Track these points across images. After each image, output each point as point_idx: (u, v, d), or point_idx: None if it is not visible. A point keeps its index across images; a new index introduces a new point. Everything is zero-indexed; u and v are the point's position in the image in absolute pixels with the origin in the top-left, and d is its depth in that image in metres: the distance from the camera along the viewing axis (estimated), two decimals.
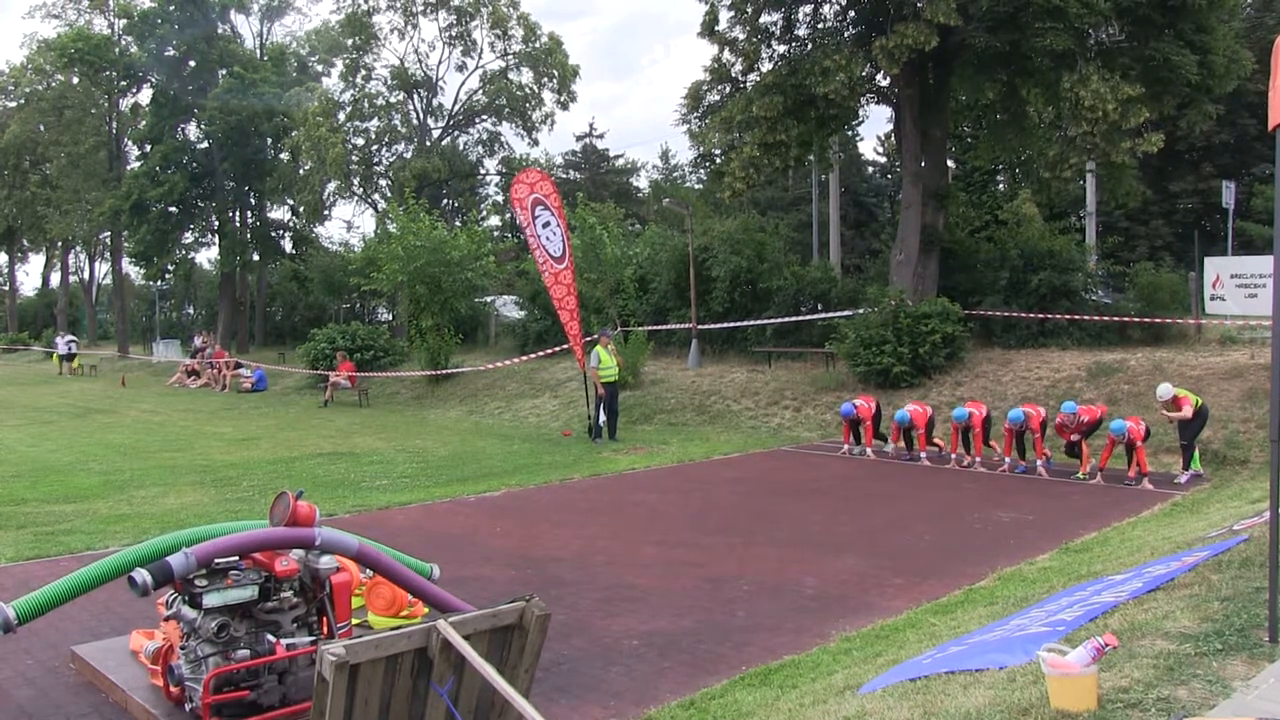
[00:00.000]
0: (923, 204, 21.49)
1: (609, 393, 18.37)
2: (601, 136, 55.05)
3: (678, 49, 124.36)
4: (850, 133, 39.42)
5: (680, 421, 20.48)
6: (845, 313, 21.77)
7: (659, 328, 25.49)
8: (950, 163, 27.75)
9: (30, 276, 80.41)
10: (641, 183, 57.45)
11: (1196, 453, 13.78)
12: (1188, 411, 13.41)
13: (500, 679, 4.69)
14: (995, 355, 20.10)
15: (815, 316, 23.59)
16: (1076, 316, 20.35)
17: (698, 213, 28.22)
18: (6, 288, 76.30)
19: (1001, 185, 36.65)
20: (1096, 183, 28.18)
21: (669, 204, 31.34)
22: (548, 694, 6.11)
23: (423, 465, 15.89)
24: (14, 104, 57.32)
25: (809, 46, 21.65)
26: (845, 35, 21.48)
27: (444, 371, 26.63)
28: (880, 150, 46.60)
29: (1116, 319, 20.28)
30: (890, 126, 24.69)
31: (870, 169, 47.06)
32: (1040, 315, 20.46)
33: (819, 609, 7.92)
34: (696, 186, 47.55)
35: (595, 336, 18.97)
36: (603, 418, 18.51)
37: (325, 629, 6.20)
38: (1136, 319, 20.06)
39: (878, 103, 24.14)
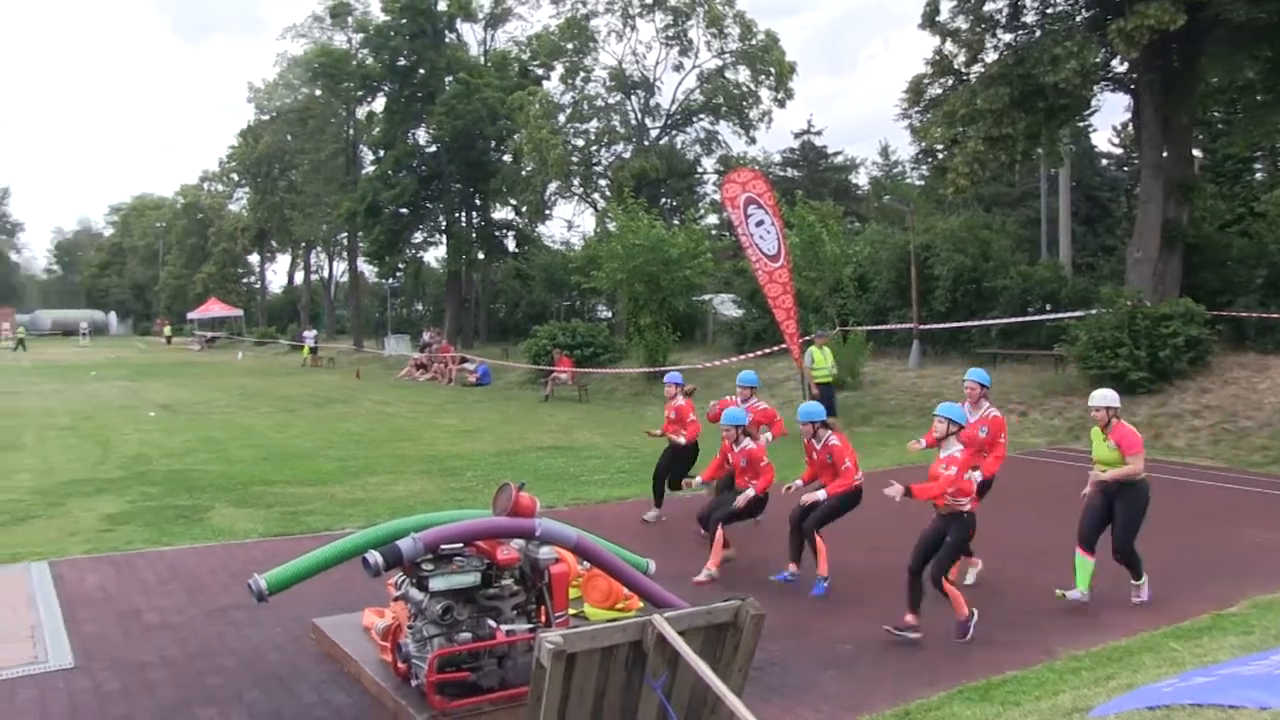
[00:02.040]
0: (1164, 197, 20.23)
1: (823, 394, 18.11)
2: (819, 133, 54.03)
3: (897, 42, 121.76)
4: (1082, 123, 37.52)
5: (900, 424, 19.97)
6: (1076, 313, 20.75)
7: (878, 328, 24.96)
8: (1197, 151, 26.00)
9: (277, 275, 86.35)
10: (861, 180, 56.42)
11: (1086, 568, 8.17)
12: (1134, 465, 7.94)
13: (714, 676, 4.65)
14: (1249, 360, 18.71)
15: (1044, 317, 22.60)
16: None
17: (919, 210, 27.54)
18: (258, 286, 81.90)
19: (1260, 174, 34.00)
20: None
21: (889, 201, 30.74)
22: (761, 694, 6.05)
23: (640, 461, 16.01)
24: (267, 117, 61.68)
25: (1037, 34, 20.75)
26: (1077, 20, 20.45)
27: (662, 369, 26.77)
28: (1116, 141, 44.17)
29: None
30: (1127, 115, 23.34)
31: (1104, 161, 44.62)
32: None
33: (1044, 623, 7.55)
34: (918, 183, 46.32)
35: (812, 337, 18.74)
36: None
37: (543, 617, 6.31)
38: None
39: (1113, 90, 22.93)
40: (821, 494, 8.55)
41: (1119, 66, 21.37)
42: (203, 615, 7.93)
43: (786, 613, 7.71)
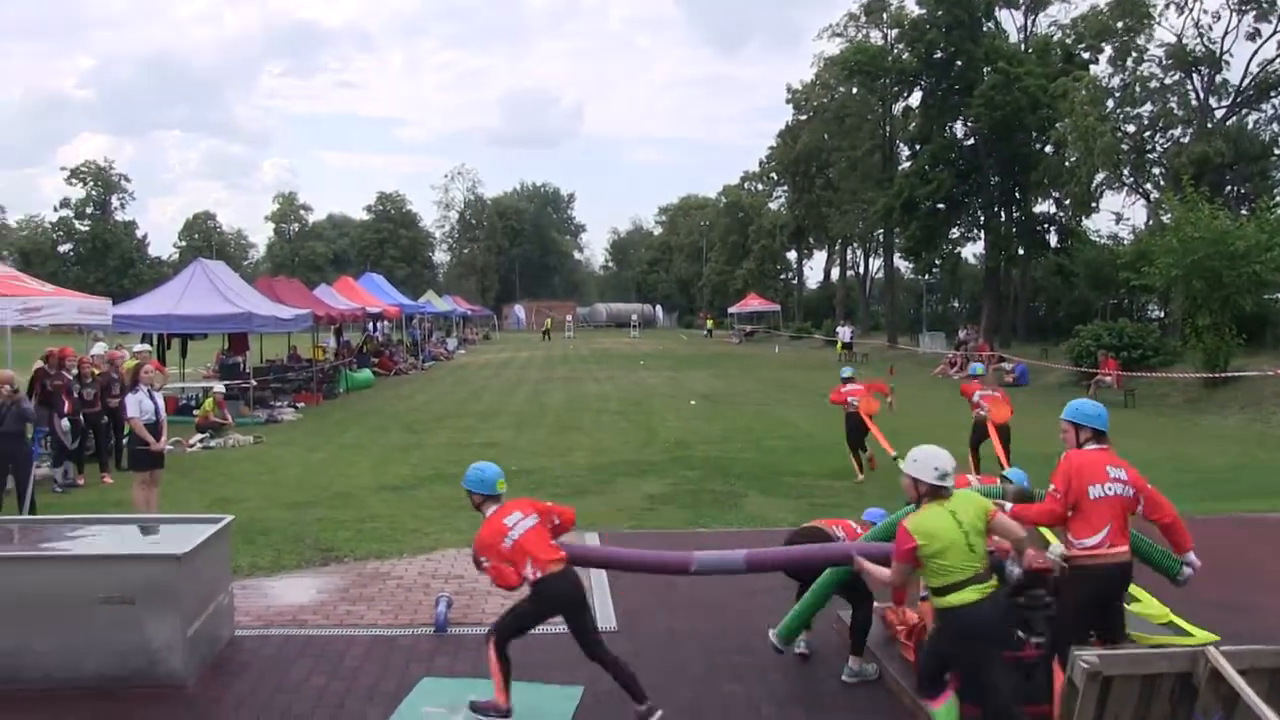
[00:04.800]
0: None
1: None
2: None
3: None
4: None
5: None
6: None
7: None
8: None
9: (814, 271, 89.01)
10: None
11: None
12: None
13: None
14: None
15: None
16: None
17: None
18: (795, 281, 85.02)
19: None
20: None
21: None
22: None
23: (1194, 475, 14.86)
24: (804, 117, 63.97)
25: None
26: None
27: (1222, 375, 24.52)
28: None
29: None
30: None
31: None
32: None
33: None
34: None
35: None
36: None
37: None
38: None
39: None
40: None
41: None
42: (734, 595, 8.47)
43: None
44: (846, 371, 15.87)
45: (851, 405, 14.66)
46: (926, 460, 5.47)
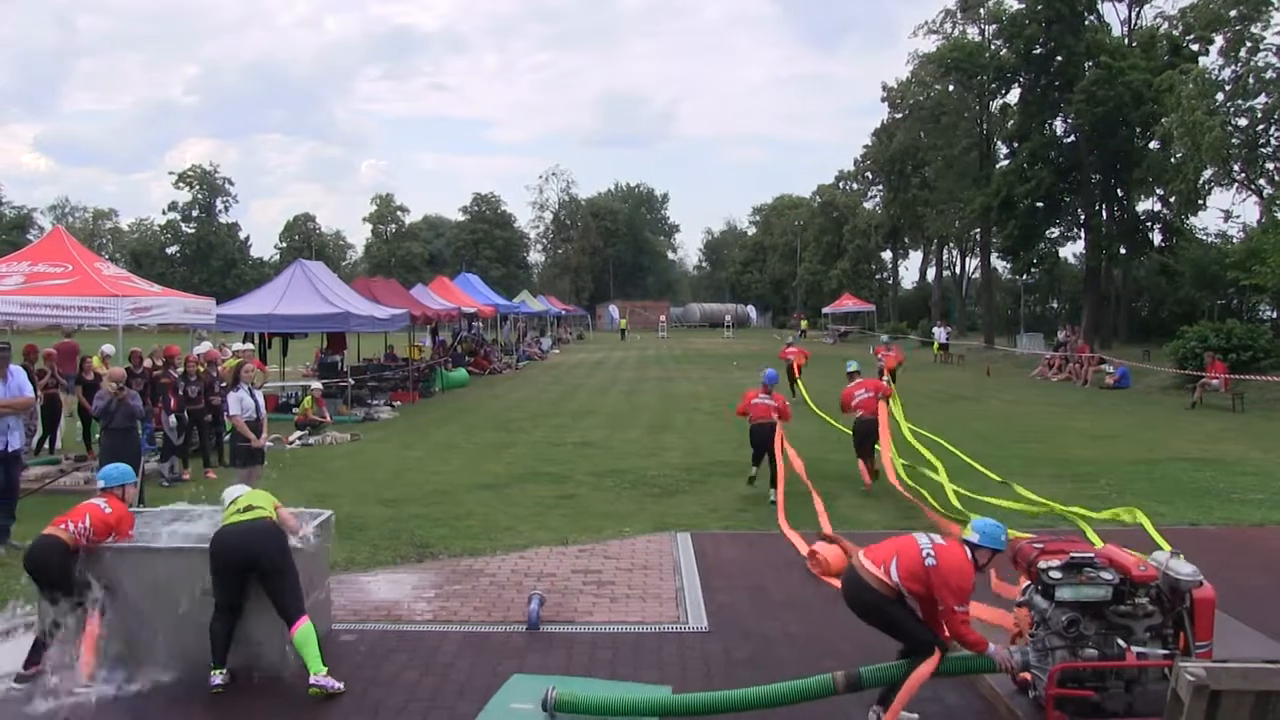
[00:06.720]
0: None
1: None
2: None
3: None
4: None
5: None
6: None
7: None
8: None
9: (909, 271, 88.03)
10: None
11: None
12: None
13: None
14: None
15: None
16: None
17: None
18: (890, 281, 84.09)
19: None
20: None
21: None
22: None
23: None
24: (900, 115, 63.31)
25: None
26: None
27: None
28: None
29: None
30: None
31: None
32: None
33: None
34: None
35: None
36: None
37: (1181, 645, 5.91)
38: None
39: None
40: None
41: None
42: (824, 597, 8.41)
43: None
44: (789, 339, 27.96)
45: (789, 359, 25.95)
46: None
